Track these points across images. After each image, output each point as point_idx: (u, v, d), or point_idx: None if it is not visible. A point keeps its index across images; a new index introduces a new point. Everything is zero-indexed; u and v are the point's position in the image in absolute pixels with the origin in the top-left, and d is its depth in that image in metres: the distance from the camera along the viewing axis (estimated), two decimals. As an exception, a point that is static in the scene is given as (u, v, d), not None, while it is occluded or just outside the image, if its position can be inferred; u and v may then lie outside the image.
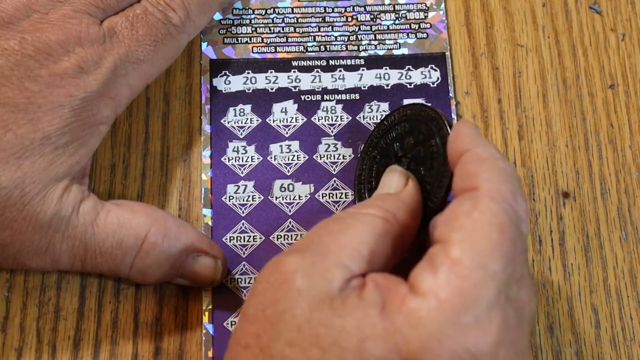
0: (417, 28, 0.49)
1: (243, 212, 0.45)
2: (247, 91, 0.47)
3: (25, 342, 0.42)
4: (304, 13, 0.49)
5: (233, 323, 0.43)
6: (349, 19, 0.49)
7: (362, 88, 0.47)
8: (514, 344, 0.32)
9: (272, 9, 0.49)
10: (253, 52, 0.48)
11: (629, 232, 0.46)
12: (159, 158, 0.46)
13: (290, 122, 0.47)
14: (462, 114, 0.47)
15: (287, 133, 0.46)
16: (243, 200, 0.45)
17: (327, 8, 0.49)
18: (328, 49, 0.48)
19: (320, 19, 0.49)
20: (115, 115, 0.42)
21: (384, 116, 0.42)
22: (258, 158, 0.46)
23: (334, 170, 0.46)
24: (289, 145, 0.46)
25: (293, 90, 0.47)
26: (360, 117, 0.47)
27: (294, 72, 0.48)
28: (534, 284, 0.35)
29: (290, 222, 0.45)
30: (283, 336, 0.32)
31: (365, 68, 0.48)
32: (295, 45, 0.48)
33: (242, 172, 0.46)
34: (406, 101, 0.47)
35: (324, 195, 0.45)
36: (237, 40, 0.48)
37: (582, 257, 0.45)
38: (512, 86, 0.48)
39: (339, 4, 0.49)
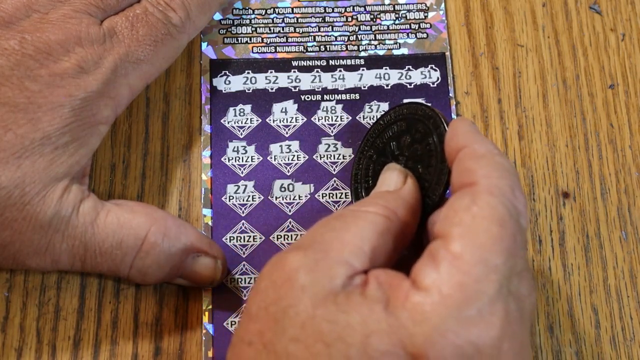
0: (417, 28, 0.49)
1: (243, 212, 0.45)
2: (247, 91, 0.47)
3: (25, 342, 0.42)
4: (304, 13, 0.49)
5: (233, 323, 0.43)
6: (349, 19, 0.49)
7: (362, 88, 0.47)
8: (517, 337, 0.32)
9: (272, 9, 0.49)
10: (253, 52, 0.48)
11: (629, 232, 0.46)
12: (159, 158, 0.46)
13: (290, 122, 0.47)
14: (462, 114, 0.47)
15: (287, 133, 0.46)
16: (243, 200, 0.45)
17: (327, 8, 0.49)
18: (328, 49, 0.48)
19: (320, 19, 0.49)
20: (115, 115, 0.42)
21: (380, 115, 0.42)
22: (258, 158, 0.46)
23: (334, 170, 0.46)
24: (289, 145, 0.46)
25: (293, 90, 0.47)
26: (360, 117, 0.47)
27: (294, 72, 0.48)
28: (533, 278, 0.35)
29: (290, 222, 0.45)
30: (287, 332, 0.32)
31: (365, 68, 0.48)
32: (295, 45, 0.48)
33: (242, 172, 0.46)
34: (406, 101, 0.47)
35: (324, 195, 0.45)
36: (237, 40, 0.48)
37: (582, 257, 0.45)
38: (512, 86, 0.48)
39: (339, 4, 0.49)
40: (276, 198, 0.45)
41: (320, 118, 0.47)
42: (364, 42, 0.48)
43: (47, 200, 0.39)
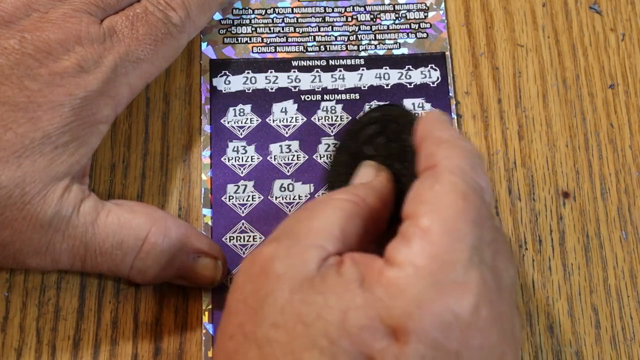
0: (417, 28, 0.49)
1: (243, 212, 0.45)
2: (247, 91, 0.47)
3: (25, 342, 0.42)
4: (304, 13, 0.49)
5: (233, 323, 0.43)
6: (349, 18, 0.49)
7: (362, 88, 0.47)
8: (496, 306, 0.33)
9: (272, 9, 0.49)
10: (253, 52, 0.48)
11: (629, 232, 0.46)
12: (159, 158, 0.46)
13: (290, 122, 0.47)
14: (462, 114, 0.47)
15: (287, 133, 0.46)
16: (243, 200, 0.45)
17: (327, 8, 0.49)
18: (328, 49, 0.48)
19: (320, 19, 0.49)
20: (115, 114, 0.42)
21: (350, 122, 0.43)
22: (258, 158, 0.46)
23: (334, 170, 0.46)
24: (289, 145, 0.46)
25: (293, 90, 0.47)
26: (360, 117, 0.47)
27: (294, 72, 0.48)
28: (512, 255, 0.36)
29: (290, 222, 0.45)
30: (267, 320, 0.33)
31: (365, 68, 0.48)
32: (295, 45, 0.48)
33: (242, 172, 0.46)
34: (406, 101, 0.47)
35: (324, 195, 0.45)
36: (237, 40, 0.48)
37: (582, 257, 0.45)
38: (512, 86, 0.48)
39: (339, 4, 0.49)
40: (276, 198, 0.45)
41: (320, 118, 0.47)
42: (364, 42, 0.48)
43: (47, 200, 0.39)
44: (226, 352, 0.34)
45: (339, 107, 0.47)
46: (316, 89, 0.47)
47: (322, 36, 0.49)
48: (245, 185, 0.45)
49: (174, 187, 0.46)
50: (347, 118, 0.47)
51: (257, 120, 0.47)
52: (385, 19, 0.49)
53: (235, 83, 0.47)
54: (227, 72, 0.48)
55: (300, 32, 0.49)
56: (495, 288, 0.33)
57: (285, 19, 0.49)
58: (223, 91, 0.47)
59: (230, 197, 0.45)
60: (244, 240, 0.44)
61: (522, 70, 0.48)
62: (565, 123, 0.48)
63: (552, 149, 0.47)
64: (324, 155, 0.46)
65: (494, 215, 0.39)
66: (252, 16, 0.49)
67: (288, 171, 0.46)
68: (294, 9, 0.49)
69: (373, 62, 0.48)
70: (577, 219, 0.46)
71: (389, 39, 0.49)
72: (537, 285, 0.44)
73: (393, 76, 0.48)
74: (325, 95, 0.47)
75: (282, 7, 0.49)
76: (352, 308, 0.32)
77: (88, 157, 0.41)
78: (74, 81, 0.40)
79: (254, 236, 0.44)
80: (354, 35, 0.49)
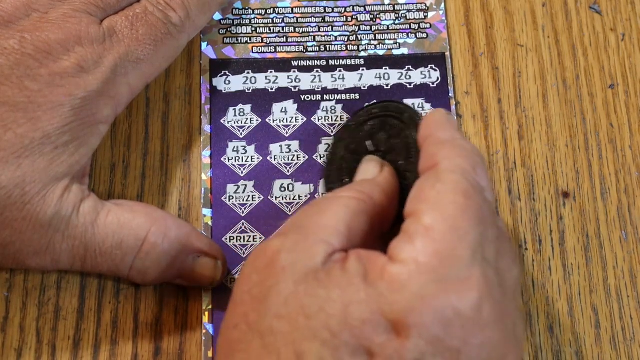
0: (417, 28, 0.49)
1: (243, 212, 0.45)
2: (247, 91, 0.47)
3: (25, 342, 0.42)
4: (304, 13, 0.49)
5: (233, 323, 0.43)
6: (349, 19, 0.49)
7: (362, 88, 0.47)
8: (498, 303, 0.33)
9: (272, 9, 0.49)
10: (253, 52, 0.48)
11: (629, 232, 0.46)
12: (159, 158, 0.46)
13: (290, 122, 0.47)
14: (462, 114, 0.47)
15: (287, 133, 0.46)
16: (243, 200, 0.45)
17: (327, 8, 0.49)
18: (328, 49, 0.48)
19: (320, 19, 0.49)
20: (115, 114, 0.42)
21: (349, 118, 0.42)
22: (258, 158, 0.46)
23: (334, 170, 0.46)
24: (289, 145, 0.46)
25: (293, 90, 0.47)
26: (360, 117, 0.47)
27: (294, 72, 0.48)
28: (515, 255, 0.36)
29: (290, 222, 0.45)
30: (270, 311, 0.33)
31: (365, 68, 0.48)
32: (295, 45, 0.48)
33: (242, 172, 0.46)
34: (406, 101, 0.47)
35: (324, 195, 0.45)
36: (237, 40, 0.48)
37: (582, 257, 0.45)
38: (512, 86, 0.48)
39: (339, 4, 0.49)
40: (276, 198, 0.45)
41: (320, 118, 0.47)
42: (364, 42, 0.48)
43: (47, 200, 0.39)
44: (229, 341, 0.34)
45: (339, 107, 0.47)
46: (316, 89, 0.47)
47: (322, 36, 0.49)
48: (245, 185, 0.45)
49: (174, 187, 0.46)
50: (347, 118, 0.47)
51: (257, 120, 0.47)
52: (385, 19, 0.49)
53: (235, 83, 0.47)
54: (227, 72, 0.48)
55: (300, 32, 0.49)
56: (498, 287, 0.33)
57: (285, 19, 0.49)
58: (223, 91, 0.47)
59: (230, 197, 0.45)
60: (244, 240, 0.44)
61: (522, 70, 0.48)
62: (565, 123, 0.47)
63: (552, 149, 0.47)
64: (323, 155, 0.46)
65: (496, 214, 0.39)
66: (252, 16, 0.49)
67: (288, 171, 0.46)
68: (294, 9, 0.49)
69: (373, 62, 0.48)
70: (577, 219, 0.46)
71: (389, 39, 0.49)
72: (537, 285, 0.44)
73: (393, 76, 0.48)
74: (325, 95, 0.47)
75: (282, 7, 0.49)
76: (354, 302, 0.32)
77: (88, 157, 0.41)
78: (74, 81, 0.40)
79: (254, 236, 0.44)
80: (354, 35, 0.49)
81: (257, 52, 0.48)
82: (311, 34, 0.49)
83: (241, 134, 0.46)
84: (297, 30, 0.49)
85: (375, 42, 0.48)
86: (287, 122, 0.47)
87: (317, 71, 0.48)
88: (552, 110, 0.48)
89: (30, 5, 0.41)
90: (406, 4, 0.49)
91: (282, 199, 0.45)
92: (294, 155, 0.46)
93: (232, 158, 0.46)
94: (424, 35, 0.49)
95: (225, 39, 0.48)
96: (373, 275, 0.33)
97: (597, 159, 0.47)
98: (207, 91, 0.47)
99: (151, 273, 0.41)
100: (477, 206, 0.34)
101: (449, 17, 0.49)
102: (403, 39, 0.49)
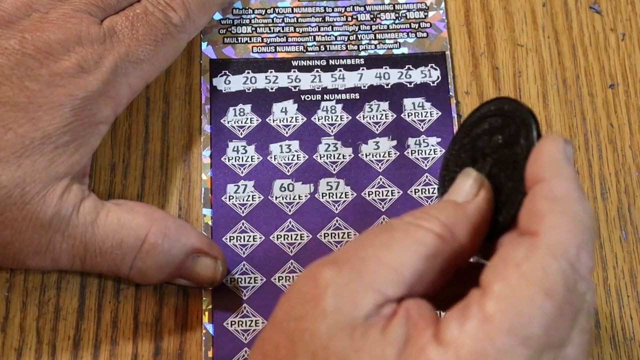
0: (417, 27, 0.49)
1: (243, 212, 0.45)
2: (247, 91, 0.47)
3: (25, 342, 0.42)
4: (304, 13, 0.49)
5: (233, 323, 0.43)
6: (349, 18, 0.49)
7: (362, 88, 0.47)
8: None
9: (272, 9, 0.49)
10: (253, 52, 0.48)
11: (629, 232, 0.46)
12: (159, 158, 0.46)
13: (290, 121, 0.47)
14: (462, 114, 0.47)
15: (287, 133, 0.46)
16: (243, 200, 0.45)
17: (327, 8, 0.49)
18: (328, 49, 0.48)
19: (320, 18, 0.49)
20: (115, 114, 0.42)
21: (481, 103, 0.37)
22: (258, 158, 0.46)
23: (334, 170, 0.46)
24: (289, 145, 0.46)
25: (293, 90, 0.47)
26: (360, 117, 0.47)
27: (294, 71, 0.48)
28: (588, 349, 0.31)
29: (290, 222, 0.45)
30: (297, 357, 0.31)
31: (365, 68, 0.48)
32: (295, 45, 0.48)
33: (242, 172, 0.46)
34: (406, 100, 0.47)
35: (324, 194, 0.45)
36: (237, 40, 0.48)
37: (582, 257, 0.45)
38: (512, 86, 0.48)
39: (339, 3, 0.49)
40: (276, 198, 0.45)
41: (320, 118, 0.47)
42: (364, 42, 0.48)
43: (47, 200, 0.39)
44: None
45: (339, 106, 0.47)
46: (316, 89, 0.47)
47: (322, 36, 0.49)
48: (245, 185, 0.45)
49: (174, 187, 0.46)
50: (347, 118, 0.47)
51: (257, 120, 0.47)
52: (385, 19, 0.49)
53: (235, 83, 0.47)
54: (227, 72, 0.48)
55: (300, 32, 0.49)
56: None
57: (285, 18, 0.49)
58: (223, 91, 0.47)
59: (230, 197, 0.45)
60: (244, 240, 0.44)
61: (522, 70, 0.48)
62: (565, 123, 0.47)
63: (552, 149, 0.47)
64: (324, 155, 0.46)
65: (582, 310, 0.31)
66: (252, 16, 0.49)
67: (288, 171, 0.46)
68: (294, 8, 0.49)
69: (373, 61, 0.48)
70: (577, 219, 0.46)
71: (389, 39, 0.49)
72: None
73: (393, 76, 0.48)
74: (325, 95, 0.47)
75: (282, 7, 0.49)
76: None
77: (88, 157, 0.41)
78: (74, 81, 0.40)
79: (254, 236, 0.44)
80: (354, 35, 0.49)
81: (257, 52, 0.48)
82: (311, 33, 0.49)
83: (241, 133, 0.46)
84: (297, 30, 0.49)
85: (375, 42, 0.48)
86: (287, 122, 0.47)
87: (317, 71, 0.48)
88: (552, 110, 0.48)
89: (30, 5, 0.41)
90: (406, 4, 0.49)
91: (282, 199, 0.45)
92: (294, 155, 0.46)
93: (232, 158, 0.46)
94: (424, 35, 0.49)
95: (225, 38, 0.48)
96: (410, 351, 0.30)
97: (597, 159, 0.47)
98: (207, 91, 0.47)
99: (151, 273, 0.41)
100: (557, 307, 0.30)
101: (449, 17, 0.49)
102: (403, 39, 0.49)
